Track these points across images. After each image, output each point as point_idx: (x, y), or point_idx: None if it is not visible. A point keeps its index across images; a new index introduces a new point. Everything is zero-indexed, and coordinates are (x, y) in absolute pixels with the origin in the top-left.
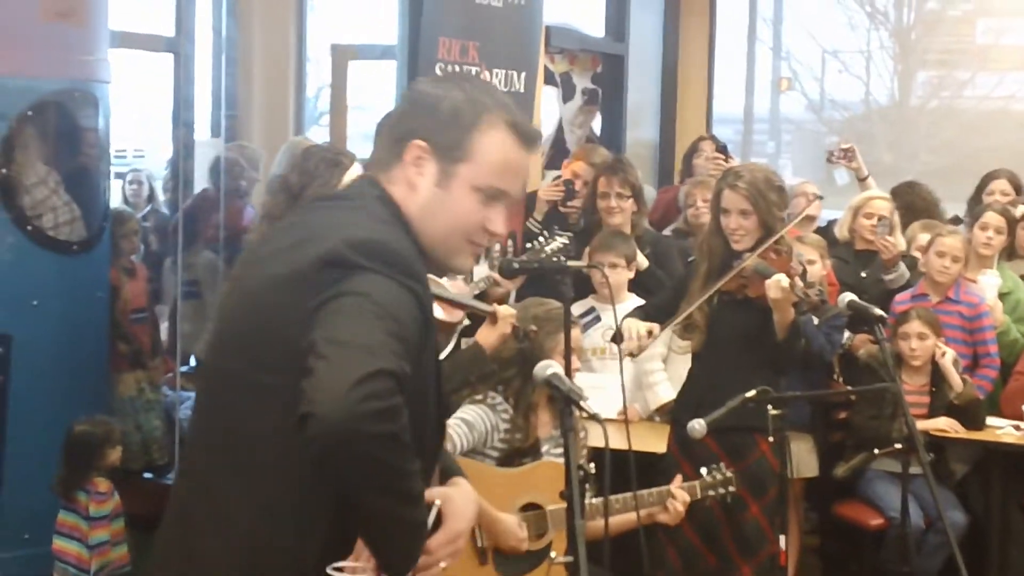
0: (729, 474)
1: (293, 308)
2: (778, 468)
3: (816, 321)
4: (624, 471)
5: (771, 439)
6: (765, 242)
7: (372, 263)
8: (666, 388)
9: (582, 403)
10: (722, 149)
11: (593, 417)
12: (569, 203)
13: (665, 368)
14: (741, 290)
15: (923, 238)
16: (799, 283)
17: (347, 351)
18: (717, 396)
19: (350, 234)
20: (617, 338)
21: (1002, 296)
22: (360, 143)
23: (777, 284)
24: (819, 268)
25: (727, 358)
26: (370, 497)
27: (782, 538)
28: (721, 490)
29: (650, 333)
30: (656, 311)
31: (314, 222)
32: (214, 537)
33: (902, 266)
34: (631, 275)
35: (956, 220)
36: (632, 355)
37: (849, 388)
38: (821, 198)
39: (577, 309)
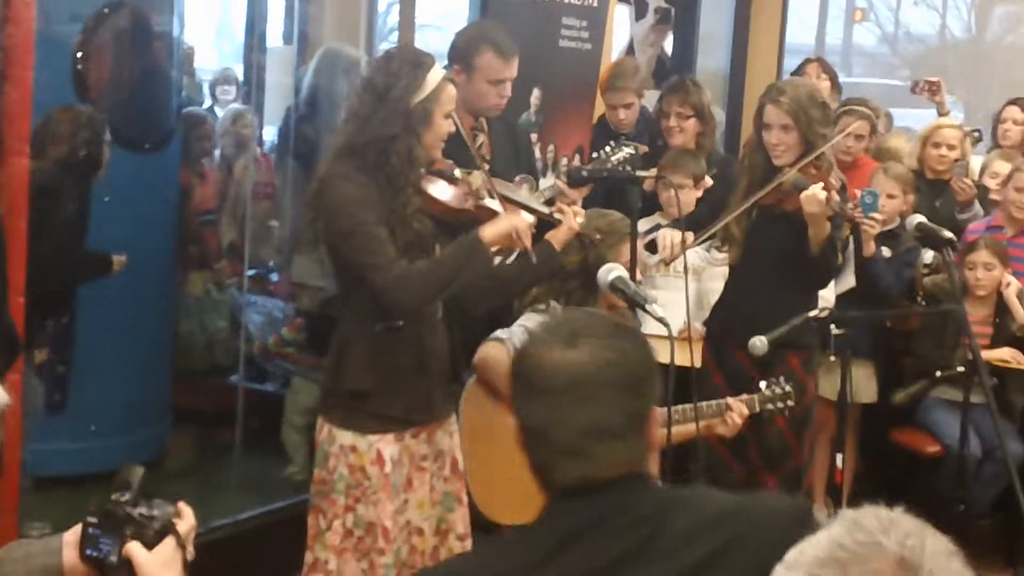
0: (788, 388)
1: None
2: (812, 387)
3: (888, 255)
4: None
5: (832, 358)
6: (806, 158)
7: None
8: None
9: (647, 307)
10: (833, 77)
11: (660, 320)
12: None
13: None
14: (779, 204)
15: (1000, 167)
16: (836, 197)
17: None
18: (750, 309)
19: None
20: (651, 247)
21: None
22: None
23: (813, 197)
24: (899, 203)
25: (762, 272)
26: None
27: (839, 457)
28: (780, 404)
29: (683, 242)
30: (693, 225)
31: None
32: None
33: (977, 204)
34: (699, 194)
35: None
36: (665, 263)
37: (911, 310)
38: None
39: (643, 226)
